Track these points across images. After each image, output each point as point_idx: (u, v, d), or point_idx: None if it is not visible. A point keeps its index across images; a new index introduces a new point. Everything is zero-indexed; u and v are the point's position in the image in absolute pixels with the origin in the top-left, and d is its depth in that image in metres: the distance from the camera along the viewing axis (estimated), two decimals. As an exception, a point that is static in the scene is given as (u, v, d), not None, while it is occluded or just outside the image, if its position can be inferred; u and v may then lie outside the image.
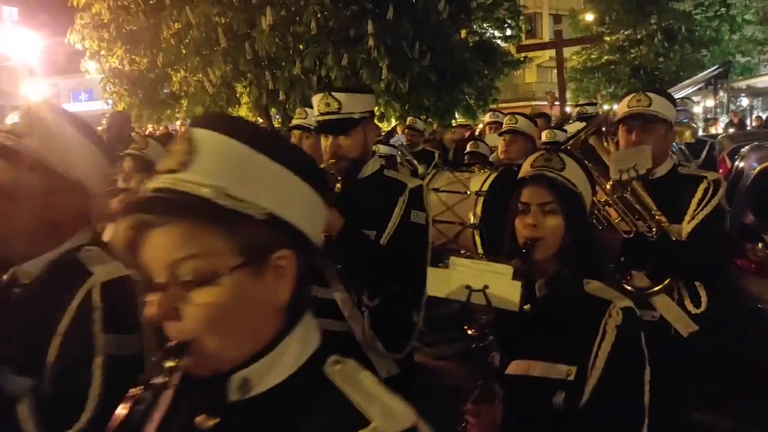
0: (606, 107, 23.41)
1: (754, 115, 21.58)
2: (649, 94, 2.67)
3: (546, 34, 32.39)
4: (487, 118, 7.27)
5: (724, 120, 18.29)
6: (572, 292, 1.79)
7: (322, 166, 2.45)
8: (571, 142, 2.73)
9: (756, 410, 4.07)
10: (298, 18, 9.67)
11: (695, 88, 19.60)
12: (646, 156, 2.52)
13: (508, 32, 17.79)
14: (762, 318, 4.48)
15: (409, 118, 8.02)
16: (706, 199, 2.54)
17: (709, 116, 18.53)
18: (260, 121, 11.39)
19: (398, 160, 6.08)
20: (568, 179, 1.82)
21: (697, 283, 2.59)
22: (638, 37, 25.52)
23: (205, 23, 9.79)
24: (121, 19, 10.43)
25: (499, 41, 16.97)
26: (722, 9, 24.81)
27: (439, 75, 10.52)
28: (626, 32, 25.73)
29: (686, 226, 2.54)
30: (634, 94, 2.71)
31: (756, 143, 5.94)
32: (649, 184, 2.60)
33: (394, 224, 2.48)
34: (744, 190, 5.22)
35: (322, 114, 2.55)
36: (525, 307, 1.74)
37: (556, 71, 16.29)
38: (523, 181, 1.88)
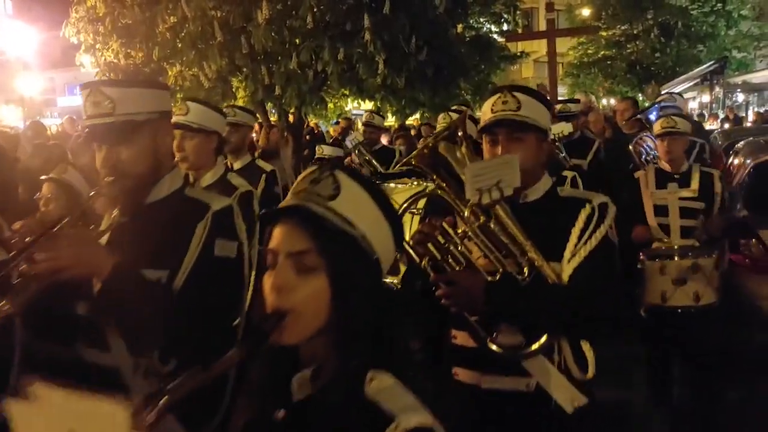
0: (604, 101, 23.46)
1: (750, 111, 21.63)
2: (517, 94, 2.07)
3: (543, 29, 32.37)
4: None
5: (720, 115, 18.31)
6: (346, 394, 1.12)
7: (102, 187, 1.96)
8: (414, 152, 2.08)
9: (753, 406, 4.07)
10: (294, 12, 9.64)
11: (691, 84, 19.64)
12: (512, 169, 1.91)
13: (505, 27, 17.80)
14: (756, 313, 4.50)
15: (365, 114, 7.70)
16: (590, 229, 1.95)
17: (704, 112, 18.54)
18: (257, 115, 11.37)
19: (357, 160, 5.69)
20: (340, 214, 1.14)
21: (582, 343, 2.00)
22: (635, 32, 25.49)
23: (201, 17, 9.76)
24: (116, 13, 10.38)
25: (495, 36, 16.97)
26: (718, 4, 24.80)
27: (436, 70, 10.51)
28: (623, 27, 25.71)
29: (566, 266, 1.96)
30: (498, 95, 2.10)
31: (750, 139, 5.96)
32: (519, 211, 2.02)
33: (191, 261, 1.88)
34: (738, 185, 5.25)
35: (90, 117, 1.90)
36: (278, 414, 1.17)
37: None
38: (274, 215, 1.20)
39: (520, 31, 19.14)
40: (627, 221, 4.02)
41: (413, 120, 15.39)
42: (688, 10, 24.88)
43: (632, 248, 4.10)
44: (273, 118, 11.61)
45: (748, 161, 5.32)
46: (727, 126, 14.37)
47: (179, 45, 10.21)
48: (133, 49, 10.70)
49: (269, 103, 11.27)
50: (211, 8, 9.75)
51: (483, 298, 1.89)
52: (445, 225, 1.97)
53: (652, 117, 5.58)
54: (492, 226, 1.95)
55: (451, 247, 1.96)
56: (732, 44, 25.35)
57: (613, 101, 24.46)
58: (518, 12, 18.87)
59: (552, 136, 5.52)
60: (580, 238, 1.96)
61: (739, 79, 22.59)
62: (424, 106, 11.27)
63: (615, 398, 4.17)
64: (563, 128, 5.70)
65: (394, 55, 9.81)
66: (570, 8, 27.64)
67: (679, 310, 3.89)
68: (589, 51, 26.58)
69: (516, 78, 32.29)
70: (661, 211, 4.13)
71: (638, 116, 6.02)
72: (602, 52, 26.21)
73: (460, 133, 2.05)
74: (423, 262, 1.98)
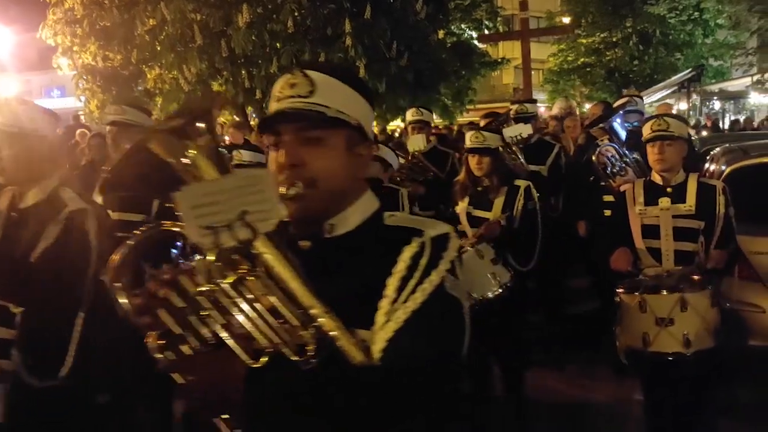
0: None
1: (727, 118, 22.00)
2: (312, 74, 1.34)
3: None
4: (409, 115, 5.84)
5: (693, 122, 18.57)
6: None
7: None
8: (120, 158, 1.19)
9: (739, 415, 4.03)
10: (274, 16, 9.62)
11: (669, 91, 19.87)
12: (263, 192, 1.17)
13: (486, 33, 17.92)
14: (733, 318, 4.52)
15: None
16: (416, 277, 1.24)
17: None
18: (237, 119, 11.31)
19: None
20: None
21: None
22: (613, 40, 25.81)
23: (181, 20, 9.70)
24: (94, 15, 10.28)
25: (476, 42, 17.09)
26: (696, 13, 25.24)
27: (417, 75, 10.54)
28: (602, 35, 26.02)
29: (379, 335, 1.23)
30: (288, 75, 1.37)
31: (726, 145, 6.02)
32: (321, 250, 1.32)
33: None
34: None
35: None
36: None
37: (532, 70, 15.52)
38: None
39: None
40: (606, 244, 3.46)
41: (394, 126, 15.42)
42: (666, 18, 25.26)
43: (612, 278, 3.43)
44: (253, 122, 11.55)
45: (724, 167, 5.37)
46: (705, 133, 14.59)
47: (158, 48, 10.14)
48: (111, 52, 10.60)
49: (249, 107, 11.22)
50: (191, 11, 9.69)
51: (241, 395, 1.18)
52: (182, 279, 1.18)
53: (617, 124, 5.07)
54: (255, 279, 1.16)
55: (192, 317, 1.16)
56: (709, 52, 25.80)
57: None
58: (499, 19, 19.04)
59: (509, 139, 5.10)
60: (400, 290, 1.24)
61: (715, 87, 22.97)
62: (404, 111, 11.31)
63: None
64: (522, 130, 5.22)
65: (375, 60, 9.83)
66: (550, 15, 27.94)
67: (670, 358, 3.10)
68: (569, 58, 26.88)
69: (497, 84, 32.55)
70: (651, 231, 3.35)
71: (601, 125, 4.94)
72: (581, 59, 26.51)
73: (201, 124, 1.20)
74: (150, 339, 1.17)
